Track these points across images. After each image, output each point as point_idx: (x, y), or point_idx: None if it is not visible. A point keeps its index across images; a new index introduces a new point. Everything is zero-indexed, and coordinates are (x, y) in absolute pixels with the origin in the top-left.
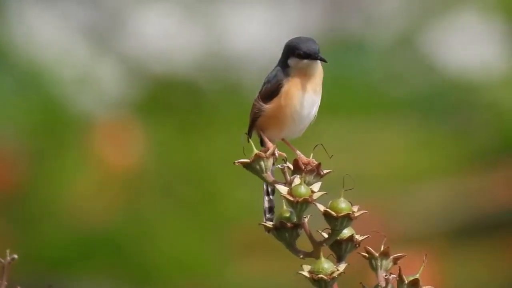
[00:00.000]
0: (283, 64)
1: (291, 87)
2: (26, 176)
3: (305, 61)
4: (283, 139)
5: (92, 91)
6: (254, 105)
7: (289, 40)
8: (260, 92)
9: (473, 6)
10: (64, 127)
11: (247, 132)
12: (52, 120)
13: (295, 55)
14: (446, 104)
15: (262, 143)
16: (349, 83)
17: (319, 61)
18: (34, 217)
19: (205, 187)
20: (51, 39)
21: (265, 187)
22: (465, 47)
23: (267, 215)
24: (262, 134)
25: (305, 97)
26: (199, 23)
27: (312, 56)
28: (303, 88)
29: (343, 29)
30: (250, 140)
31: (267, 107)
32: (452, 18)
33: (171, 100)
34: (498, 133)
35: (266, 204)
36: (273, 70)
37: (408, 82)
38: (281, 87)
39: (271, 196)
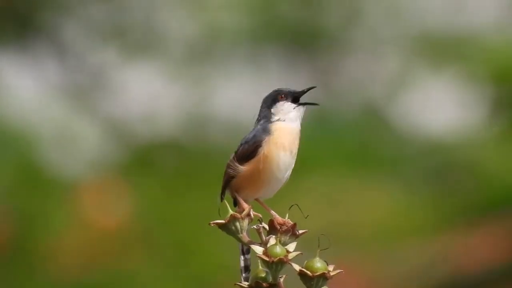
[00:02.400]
0: (263, 123)
1: (270, 149)
2: (9, 237)
3: (294, 106)
4: (256, 199)
5: (75, 152)
6: (228, 165)
7: (272, 91)
8: (236, 152)
9: (450, 71)
10: (47, 188)
11: (221, 192)
12: (34, 181)
13: (285, 98)
14: (428, 165)
15: (236, 203)
16: (328, 143)
17: (299, 122)
18: (18, 277)
19: (187, 246)
20: (32, 99)
21: (240, 246)
22: (444, 111)
23: (243, 275)
24: (237, 195)
25: (283, 159)
26: (184, 84)
27: (300, 100)
28: (283, 150)
29: (327, 96)
30: (225, 200)
31: (243, 168)
32: (430, 83)
33: (155, 160)
34: (479, 194)
35: (242, 264)
36: (252, 131)
37: (388, 144)
38: (259, 148)
39: (246, 256)
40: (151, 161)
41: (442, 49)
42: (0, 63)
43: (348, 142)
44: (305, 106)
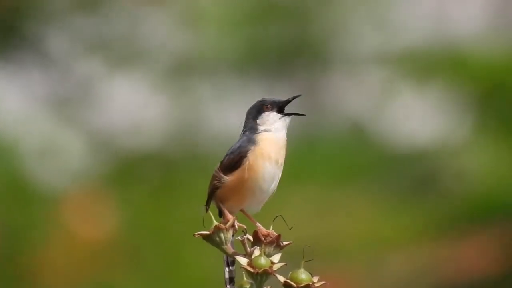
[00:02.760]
0: (248, 134)
1: (256, 159)
2: None
3: (280, 117)
4: (242, 210)
5: (61, 164)
6: (213, 176)
7: (257, 101)
8: (221, 162)
9: (434, 83)
10: (32, 200)
11: (205, 203)
12: (19, 194)
13: (270, 109)
14: (414, 175)
15: (221, 214)
16: (314, 156)
17: (285, 132)
18: None
19: (173, 258)
20: (17, 110)
21: (225, 258)
22: (429, 122)
23: (227, 286)
24: (222, 206)
25: (268, 170)
26: (169, 95)
27: (285, 110)
28: (268, 160)
29: (311, 111)
30: (209, 211)
31: (228, 179)
32: (414, 95)
33: (140, 171)
34: (466, 202)
35: (227, 275)
36: (237, 141)
37: (374, 156)
38: (244, 158)
39: (231, 267)
40: (137, 173)
41: (426, 63)
42: None
43: (333, 155)
44: (290, 116)
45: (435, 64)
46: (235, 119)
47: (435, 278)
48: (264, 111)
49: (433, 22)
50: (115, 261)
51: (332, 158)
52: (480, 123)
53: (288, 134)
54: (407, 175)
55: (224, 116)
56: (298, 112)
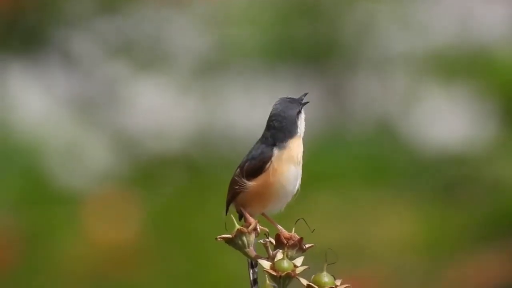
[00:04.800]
0: (284, 136)
1: (279, 162)
2: (16, 252)
3: (301, 113)
4: (263, 214)
5: (84, 166)
6: (234, 181)
7: (285, 100)
8: (241, 167)
9: (461, 85)
10: (55, 202)
11: (225, 206)
12: (42, 195)
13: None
14: (441, 179)
15: (241, 217)
16: (340, 157)
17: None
18: None
19: (197, 259)
20: (41, 112)
21: (249, 260)
22: (456, 125)
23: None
24: (243, 210)
25: (291, 171)
26: (194, 98)
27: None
28: (291, 161)
29: (338, 111)
30: (231, 215)
31: (252, 184)
32: (441, 98)
33: (164, 173)
34: (493, 208)
35: (251, 277)
36: (257, 145)
37: (400, 158)
38: (267, 164)
39: (255, 269)
40: (161, 175)
41: (452, 64)
42: (9, 76)
43: (360, 157)
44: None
45: (462, 66)
46: (261, 121)
47: (462, 284)
48: (301, 112)
49: (461, 23)
50: (139, 263)
51: (359, 159)
52: (508, 127)
53: (314, 134)
54: (436, 178)
55: (250, 118)
56: (305, 101)
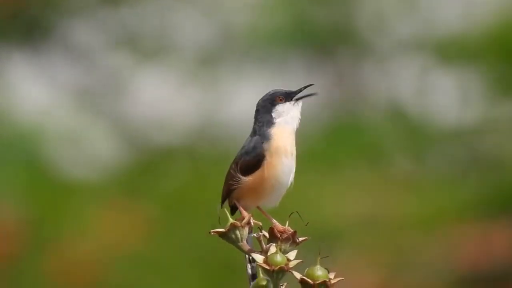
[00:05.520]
0: (264, 127)
1: (273, 157)
2: (20, 245)
3: (293, 103)
4: (257, 207)
5: (86, 155)
6: (230, 175)
7: (267, 94)
8: (236, 162)
9: (470, 67)
10: (57, 191)
11: (220, 201)
12: (45, 184)
13: (283, 100)
14: (453, 156)
15: (234, 211)
16: (351, 141)
17: (298, 121)
18: (30, 283)
19: (198, 250)
20: (44, 101)
21: (246, 254)
22: (465, 105)
23: (251, 282)
24: (237, 203)
25: (286, 164)
26: (197, 88)
27: (297, 96)
28: (285, 154)
29: (342, 101)
30: (225, 209)
31: (247, 179)
32: (451, 81)
33: (167, 164)
34: (499, 184)
35: (250, 271)
36: (250, 139)
37: (410, 139)
38: (262, 158)
39: (253, 264)
40: (164, 165)
41: (463, 47)
42: (12, 66)
43: (370, 140)
44: (301, 100)
45: (473, 48)
46: None
47: (468, 259)
48: (278, 103)
49: (471, 7)
50: (141, 253)
51: (369, 143)
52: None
53: (327, 120)
54: (450, 157)
55: (252, 108)
56: (308, 94)
